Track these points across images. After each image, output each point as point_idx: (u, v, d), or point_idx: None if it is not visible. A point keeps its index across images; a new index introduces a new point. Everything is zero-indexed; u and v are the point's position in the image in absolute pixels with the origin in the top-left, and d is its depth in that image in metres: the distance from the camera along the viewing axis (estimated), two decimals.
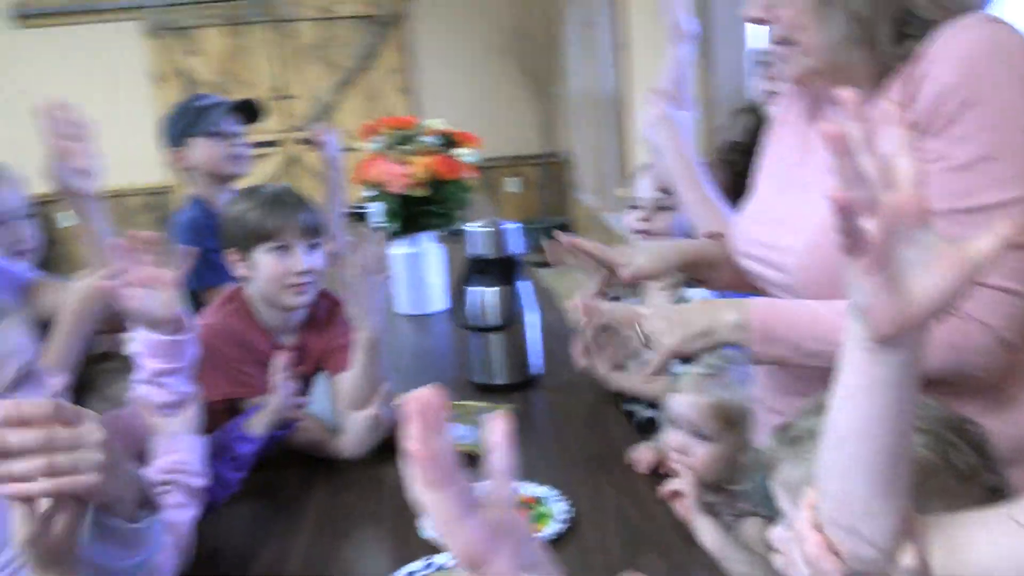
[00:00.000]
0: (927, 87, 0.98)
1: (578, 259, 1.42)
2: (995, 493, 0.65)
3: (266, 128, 6.34)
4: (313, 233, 1.70)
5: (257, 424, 1.53)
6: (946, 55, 0.98)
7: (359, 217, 4.29)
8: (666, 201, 1.89)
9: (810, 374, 1.12)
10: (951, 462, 0.75)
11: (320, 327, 1.78)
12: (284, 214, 1.66)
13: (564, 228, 6.64)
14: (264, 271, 1.66)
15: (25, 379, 1.10)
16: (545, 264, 2.00)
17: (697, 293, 1.58)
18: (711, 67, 3.20)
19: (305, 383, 1.74)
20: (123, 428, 1.26)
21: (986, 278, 0.92)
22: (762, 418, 1.26)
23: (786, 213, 1.17)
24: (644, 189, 1.95)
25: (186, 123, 2.31)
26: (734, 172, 1.81)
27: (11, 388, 1.08)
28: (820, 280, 1.09)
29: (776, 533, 0.87)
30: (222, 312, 1.71)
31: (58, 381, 1.15)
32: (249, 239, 1.66)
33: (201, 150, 2.29)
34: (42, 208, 2.14)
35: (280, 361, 1.57)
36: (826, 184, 1.08)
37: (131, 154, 6.55)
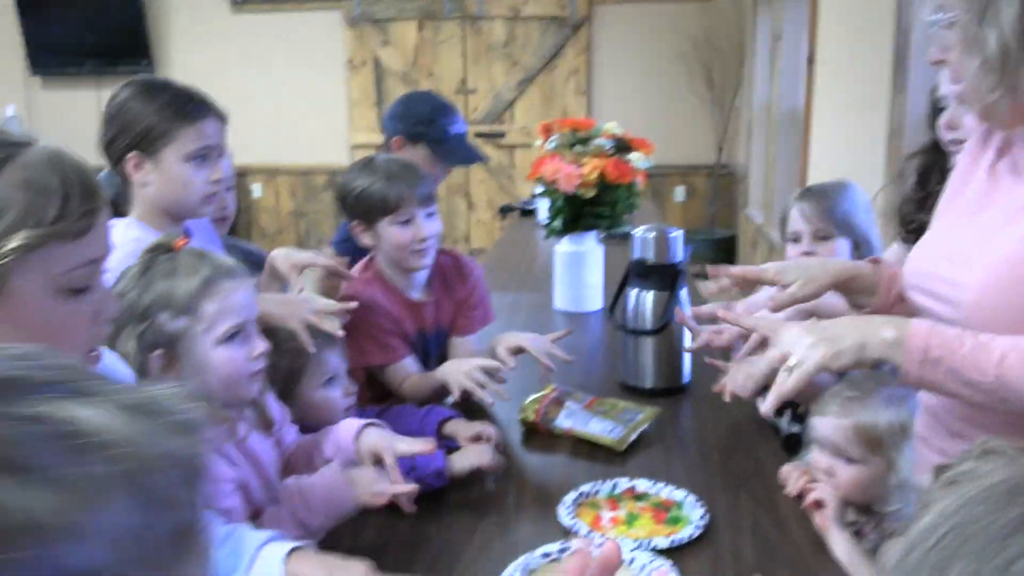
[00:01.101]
0: None
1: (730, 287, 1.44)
2: None
3: None
4: (429, 201, 1.84)
5: (456, 461, 1.52)
6: None
7: (527, 213, 4.42)
8: (825, 231, 1.84)
9: (976, 416, 1.10)
10: None
11: (449, 283, 1.95)
12: (405, 187, 1.79)
13: (730, 242, 6.52)
14: (390, 241, 1.81)
15: (238, 335, 1.25)
16: (704, 275, 2.01)
17: None
18: (903, 95, 3.07)
19: (444, 338, 1.91)
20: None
21: None
22: (923, 456, 1.24)
23: (966, 250, 1.15)
24: (799, 222, 1.88)
25: (431, 134, 2.48)
26: (905, 223, 1.75)
27: (224, 340, 1.23)
28: (992, 319, 1.06)
29: None
30: (361, 282, 1.86)
31: (264, 345, 1.29)
32: (374, 213, 1.80)
33: (421, 157, 2.43)
34: (237, 178, 2.36)
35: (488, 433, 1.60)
36: (1009, 226, 1.07)
37: (322, 135, 7.01)
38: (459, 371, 1.69)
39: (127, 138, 1.51)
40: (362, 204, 1.81)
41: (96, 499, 0.38)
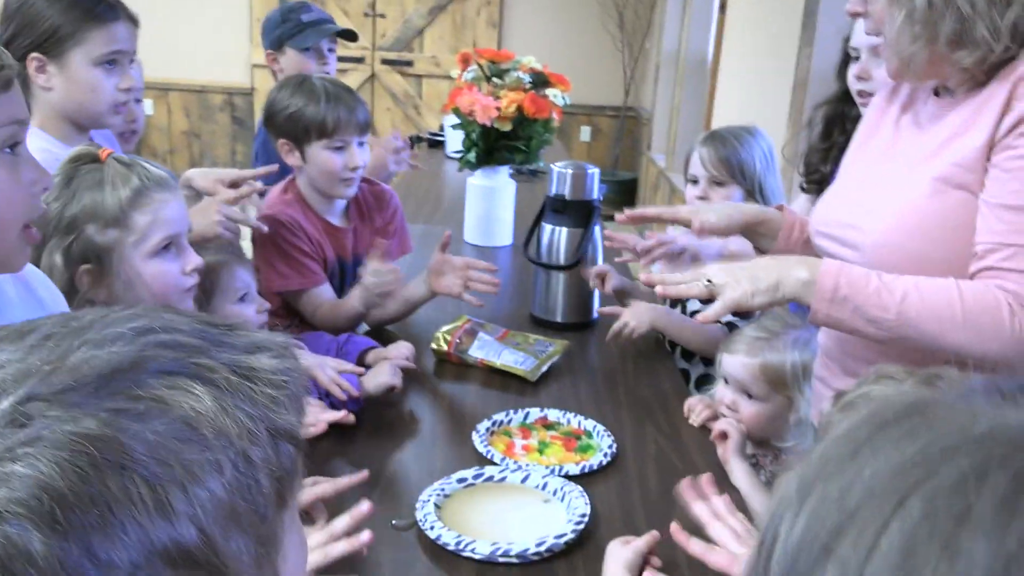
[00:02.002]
0: (1017, 103, 1.03)
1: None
2: None
3: (353, 44, 6.41)
4: (365, 129, 1.81)
5: (368, 381, 1.52)
6: None
7: (435, 144, 4.36)
8: (720, 177, 1.90)
9: (871, 356, 1.17)
10: None
11: (368, 212, 1.95)
12: (344, 112, 1.74)
13: (631, 184, 6.63)
14: (320, 166, 1.77)
15: (171, 248, 1.20)
16: (612, 217, 2.05)
17: None
18: (810, 47, 3.16)
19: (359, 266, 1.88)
20: None
21: None
22: (821, 395, 1.32)
23: (870, 198, 1.21)
24: (697, 166, 1.92)
25: (286, 31, 2.40)
26: (809, 172, 1.82)
27: (155, 253, 1.18)
28: (893, 262, 1.13)
29: None
30: (282, 202, 1.82)
31: (196, 260, 1.24)
32: (307, 134, 1.75)
33: (293, 61, 2.38)
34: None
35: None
36: (911, 175, 1.13)
37: (221, 52, 6.68)
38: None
39: (29, 37, 1.40)
40: (295, 124, 1.75)
41: (190, 483, 0.40)
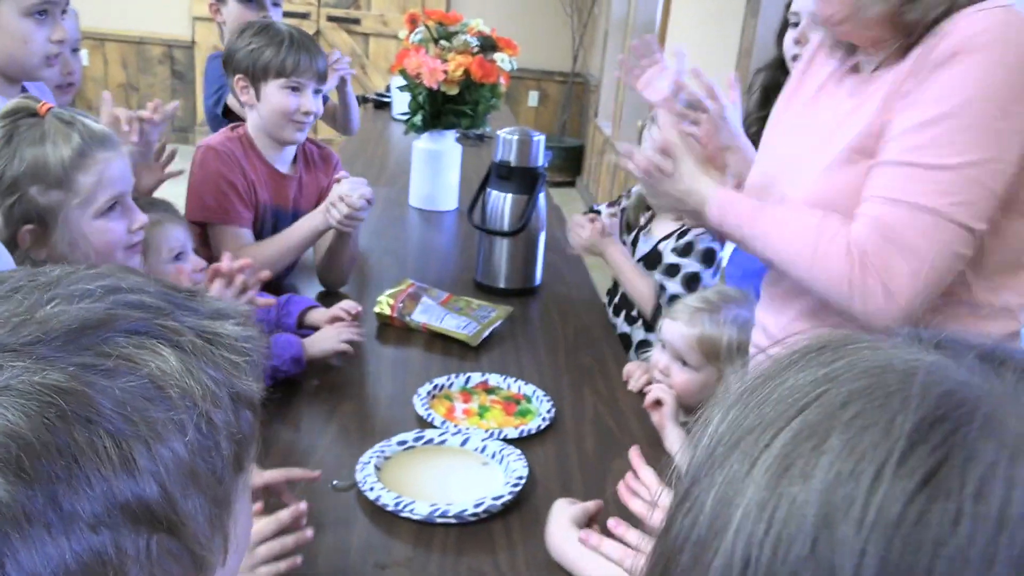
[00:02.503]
0: (934, 53, 1.05)
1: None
2: None
3: None
4: (323, 78, 1.84)
5: (312, 346, 1.52)
6: (957, 29, 1.04)
7: (381, 105, 4.31)
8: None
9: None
10: None
11: (313, 168, 1.95)
12: (306, 56, 1.77)
13: (578, 151, 6.64)
14: (273, 105, 1.78)
15: (116, 207, 1.18)
16: (558, 183, 2.06)
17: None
18: (755, 18, 3.20)
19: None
20: None
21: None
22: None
23: (790, 168, 1.25)
24: (652, 138, 1.94)
25: None
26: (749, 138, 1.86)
27: (101, 214, 1.16)
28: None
29: None
30: (223, 138, 1.83)
31: (142, 217, 1.23)
32: (263, 72, 1.77)
33: (235, 12, 2.33)
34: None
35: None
36: (826, 148, 1.16)
37: (159, 3, 6.47)
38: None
39: None
40: (254, 61, 1.76)
41: (154, 441, 0.41)
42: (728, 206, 1.21)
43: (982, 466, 0.32)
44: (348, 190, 1.70)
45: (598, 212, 2.11)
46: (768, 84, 1.81)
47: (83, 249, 1.16)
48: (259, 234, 1.84)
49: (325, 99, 2.39)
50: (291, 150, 1.88)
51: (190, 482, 0.43)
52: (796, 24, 1.66)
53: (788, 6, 1.74)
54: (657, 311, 1.84)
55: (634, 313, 1.94)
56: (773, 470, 0.36)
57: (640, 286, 1.89)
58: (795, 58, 1.65)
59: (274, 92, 1.77)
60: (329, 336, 1.54)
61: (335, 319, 1.59)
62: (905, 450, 0.33)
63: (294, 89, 1.77)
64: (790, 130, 1.31)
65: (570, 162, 6.40)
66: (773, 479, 0.35)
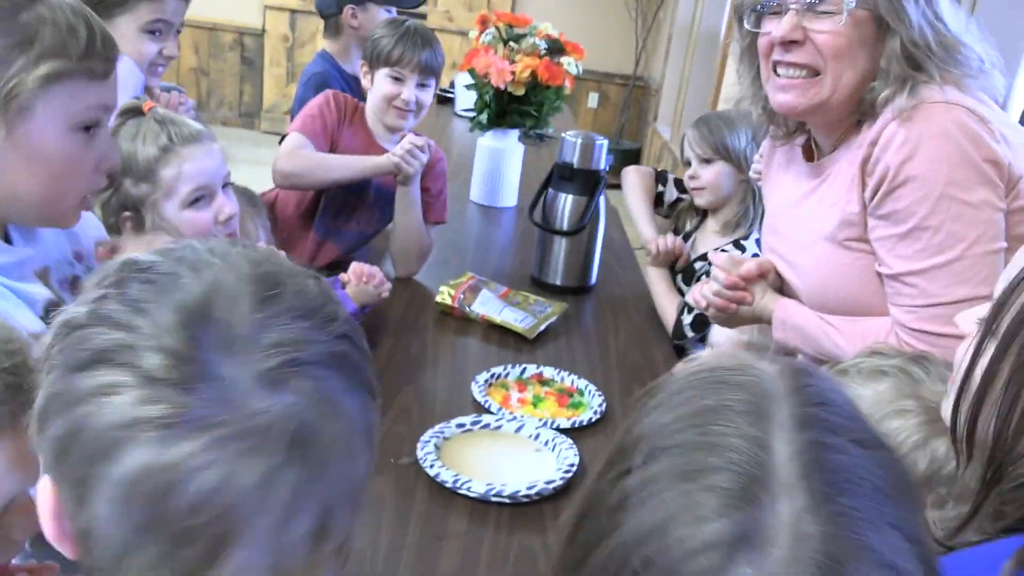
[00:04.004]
0: (879, 167, 1.16)
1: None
2: None
3: None
4: (427, 72, 1.96)
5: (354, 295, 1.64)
6: (900, 139, 1.14)
7: (444, 100, 4.39)
8: (707, 155, 2.00)
9: None
10: None
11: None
12: (407, 49, 1.93)
13: (635, 154, 6.67)
14: (379, 90, 1.96)
15: (203, 198, 1.29)
16: (612, 186, 2.13)
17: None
18: None
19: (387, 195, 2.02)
20: None
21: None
22: None
23: (791, 242, 1.36)
24: (688, 148, 2.05)
25: None
26: None
27: (188, 204, 1.27)
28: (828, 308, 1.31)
29: None
30: (347, 99, 2.02)
31: (230, 208, 1.33)
32: (377, 60, 1.96)
33: (373, 18, 2.48)
34: None
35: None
36: (808, 240, 1.25)
37: None
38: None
39: None
40: (372, 48, 1.96)
41: None
42: (787, 323, 1.33)
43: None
44: (410, 137, 1.88)
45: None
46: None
47: (172, 236, 1.26)
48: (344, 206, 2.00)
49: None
50: (398, 137, 1.99)
51: None
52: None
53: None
54: (678, 326, 1.90)
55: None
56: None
57: (667, 304, 2.00)
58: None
59: (381, 79, 1.95)
60: (367, 291, 1.65)
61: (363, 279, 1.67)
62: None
63: (396, 79, 1.93)
64: (777, 214, 1.43)
65: (627, 165, 6.42)
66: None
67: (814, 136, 1.34)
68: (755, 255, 1.91)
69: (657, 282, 2.05)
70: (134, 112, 1.28)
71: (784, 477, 0.44)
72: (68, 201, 0.94)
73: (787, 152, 1.41)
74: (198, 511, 0.44)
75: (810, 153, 1.35)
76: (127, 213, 1.26)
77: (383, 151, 1.97)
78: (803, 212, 1.32)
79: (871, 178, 1.17)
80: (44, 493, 0.49)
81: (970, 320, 0.76)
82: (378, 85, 1.96)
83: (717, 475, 0.45)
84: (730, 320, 1.41)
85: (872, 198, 1.18)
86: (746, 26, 1.27)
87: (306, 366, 0.48)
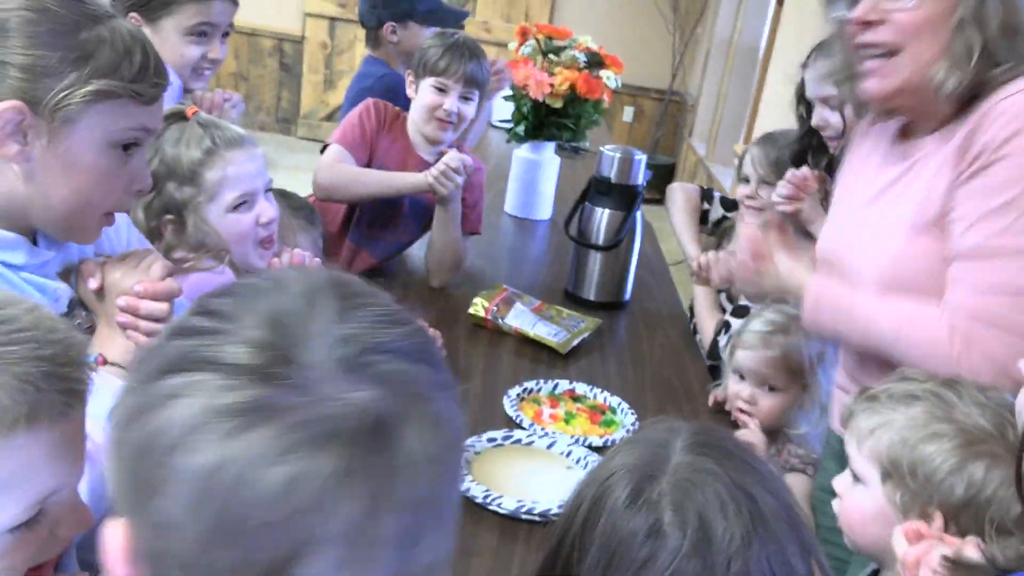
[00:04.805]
0: (979, 141, 1.09)
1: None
2: None
3: None
4: (472, 84, 1.96)
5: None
6: (1008, 116, 1.07)
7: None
8: (769, 178, 1.93)
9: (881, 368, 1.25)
10: (1004, 435, 0.87)
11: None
12: (454, 60, 1.93)
13: (669, 169, 6.64)
14: (422, 100, 1.96)
15: (245, 204, 1.29)
16: (647, 200, 2.10)
17: None
18: None
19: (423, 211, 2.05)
20: None
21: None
22: (839, 399, 1.37)
23: (858, 244, 1.28)
24: (748, 167, 1.96)
25: (410, 6, 2.47)
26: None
27: (231, 209, 1.27)
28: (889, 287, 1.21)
29: (839, 480, 1.00)
30: (390, 105, 2.02)
31: (270, 212, 1.34)
32: (423, 70, 1.96)
33: (413, 36, 2.46)
34: None
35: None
36: (888, 224, 1.18)
37: None
38: None
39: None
40: (419, 57, 1.96)
41: None
42: (822, 299, 1.25)
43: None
44: (449, 156, 1.86)
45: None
46: (798, 155, 1.82)
47: (214, 240, 1.26)
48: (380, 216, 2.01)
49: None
50: (437, 149, 1.99)
51: None
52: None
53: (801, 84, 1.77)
54: (714, 346, 1.87)
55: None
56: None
57: (708, 321, 1.97)
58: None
59: (424, 88, 1.95)
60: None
61: None
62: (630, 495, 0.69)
63: (440, 89, 1.93)
64: (855, 206, 1.33)
65: (661, 180, 6.34)
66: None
67: (912, 125, 1.27)
68: None
69: (701, 299, 2.02)
70: (177, 117, 1.28)
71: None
72: (94, 215, 0.95)
73: (878, 135, 1.33)
74: (271, 507, 0.42)
75: (907, 133, 1.28)
76: (169, 216, 1.26)
77: (421, 162, 1.97)
78: (886, 201, 1.24)
79: (967, 153, 1.10)
80: (115, 533, 0.47)
81: None
82: (422, 95, 1.95)
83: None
84: (754, 286, 1.37)
85: (965, 170, 1.11)
86: (833, 13, 1.23)
87: (389, 355, 0.47)
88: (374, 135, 1.97)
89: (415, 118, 1.98)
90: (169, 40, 1.50)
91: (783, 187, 1.66)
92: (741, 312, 1.83)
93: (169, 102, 1.60)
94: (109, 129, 0.89)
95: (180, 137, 1.26)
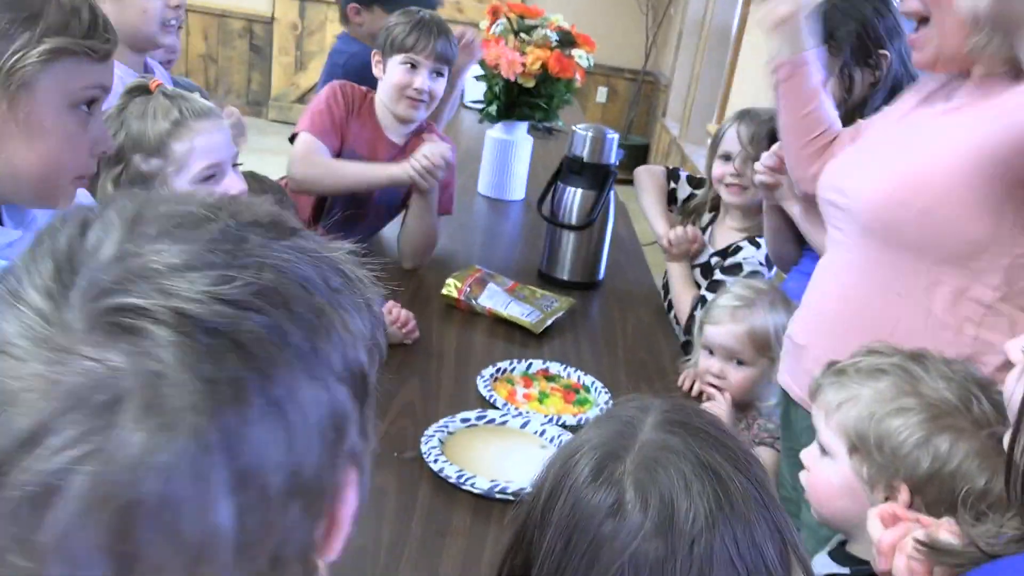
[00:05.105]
0: None
1: None
2: (1000, 444, 0.76)
3: None
4: (442, 60, 1.93)
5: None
6: None
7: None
8: (758, 153, 1.92)
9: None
10: (969, 408, 0.88)
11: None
12: (423, 36, 1.90)
13: (643, 149, 6.64)
14: (391, 78, 1.92)
15: (214, 176, 1.27)
16: (620, 181, 2.10)
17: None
18: None
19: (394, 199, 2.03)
20: None
21: None
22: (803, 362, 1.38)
23: (874, 161, 1.27)
24: (733, 143, 1.93)
25: None
26: None
27: (199, 182, 1.25)
28: (882, 223, 1.21)
29: (806, 453, 1.01)
30: (356, 87, 1.98)
31: (239, 186, 1.31)
32: (390, 47, 1.92)
33: (376, 20, 2.39)
34: None
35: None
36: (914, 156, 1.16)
37: None
38: None
39: None
40: (386, 36, 1.92)
41: (357, 315, 0.44)
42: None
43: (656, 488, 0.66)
44: (430, 149, 1.82)
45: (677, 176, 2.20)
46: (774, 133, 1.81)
47: None
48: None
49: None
50: (408, 129, 1.98)
51: (374, 361, 0.46)
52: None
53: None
54: (690, 321, 1.87)
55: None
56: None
57: (684, 297, 1.96)
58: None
59: (393, 67, 1.91)
60: (391, 334, 1.60)
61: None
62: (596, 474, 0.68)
63: (412, 66, 1.90)
64: (888, 136, 1.32)
65: (635, 160, 6.34)
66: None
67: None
68: (767, 256, 1.89)
69: (676, 275, 2.01)
70: (140, 90, 1.26)
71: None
72: (64, 178, 0.94)
73: (935, 83, 1.29)
74: None
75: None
76: (137, 190, 1.23)
77: (392, 145, 1.95)
78: (942, 123, 1.19)
79: None
80: None
81: (1018, 348, 0.74)
82: (391, 73, 1.92)
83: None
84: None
85: None
86: None
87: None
88: (343, 120, 1.94)
89: (384, 98, 1.95)
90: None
91: (768, 158, 1.65)
92: (715, 287, 1.84)
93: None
94: (67, 89, 0.88)
95: (145, 110, 1.23)
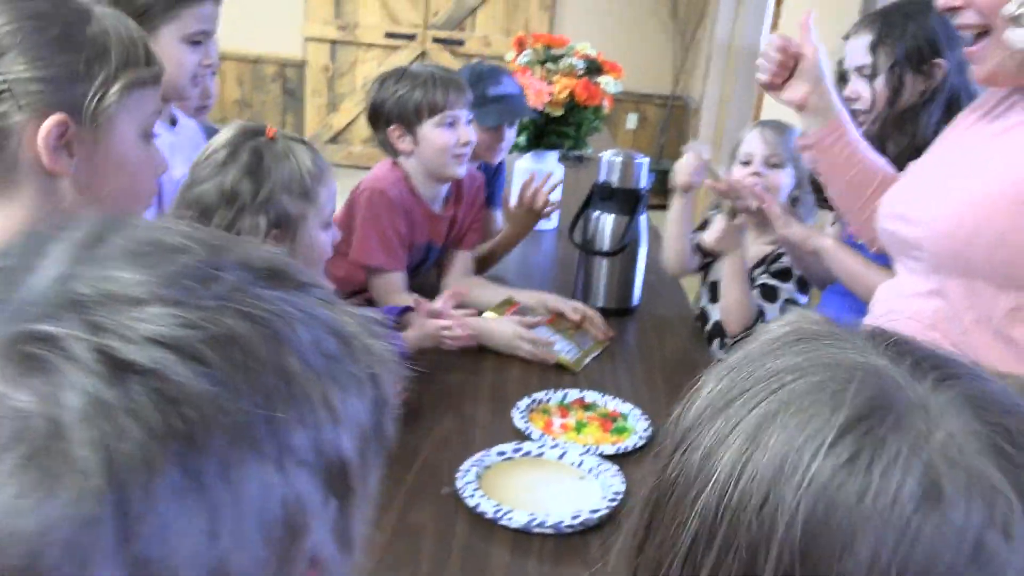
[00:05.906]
0: None
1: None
2: None
3: (406, 20, 6.45)
4: (468, 104, 1.85)
5: (409, 337, 1.55)
6: None
7: None
8: (775, 159, 1.91)
9: None
10: None
11: (463, 196, 1.98)
12: (452, 89, 1.79)
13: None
14: (433, 144, 1.80)
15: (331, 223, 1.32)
16: (653, 206, 2.08)
17: None
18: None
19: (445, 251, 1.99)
20: None
21: None
22: None
23: (927, 194, 1.23)
24: (756, 144, 1.93)
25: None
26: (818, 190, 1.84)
27: (325, 226, 1.32)
28: (952, 253, 1.17)
29: None
30: (390, 180, 1.84)
31: (337, 234, 1.36)
32: (417, 114, 1.79)
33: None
34: None
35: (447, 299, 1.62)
36: (978, 180, 1.13)
37: (274, 22, 6.76)
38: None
39: (127, 9, 1.46)
40: (404, 106, 1.79)
41: (344, 391, 0.38)
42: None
43: (888, 455, 0.42)
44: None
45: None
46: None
47: (311, 256, 1.28)
48: (413, 267, 1.91)
49: None
50: (445, 187, 1.92)
51: (369, 451, 0.39)
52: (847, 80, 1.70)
53: (840, 61, 1.73)
54: (699, 296, 1.85)
55: (728, 340, 1.93)
56: (747, 435, 0.45)
57: (743, 302, 1.85)
58: (854, 113, 1.64)
59: (431, 131, 1.79)
60: (429, 330, 1.56)
61: (434, 314, 1.58)
62: (836, 437, 0.42)
63: (450, 124, 1.79)
64: (946, 160, 1.29)
65: (667, 185, 6.37)
66: (746, 443, 0.45)
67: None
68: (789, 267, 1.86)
69: (742, 271, 1.84)
70: (255, 134, 1.26)
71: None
72: (144, 206, 0.98)
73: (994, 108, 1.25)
74: None
75: None
76: (276, 230, 1.24)
77: (438, 217, 1.92)
78: (1003, 142, 1.16)
79: None
80: None
81: None
82: (431, 139, 1.79)
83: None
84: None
85: None
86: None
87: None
88: (407, 231, 1.84)
89: (428, 166, 1.83)
90: (167, 50, 1.48)
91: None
92: (769, 293, 1.85)
93: (192, 148, 1.58)
94: (139, 119, 0.91)
95: (288, 153, 1.25)
